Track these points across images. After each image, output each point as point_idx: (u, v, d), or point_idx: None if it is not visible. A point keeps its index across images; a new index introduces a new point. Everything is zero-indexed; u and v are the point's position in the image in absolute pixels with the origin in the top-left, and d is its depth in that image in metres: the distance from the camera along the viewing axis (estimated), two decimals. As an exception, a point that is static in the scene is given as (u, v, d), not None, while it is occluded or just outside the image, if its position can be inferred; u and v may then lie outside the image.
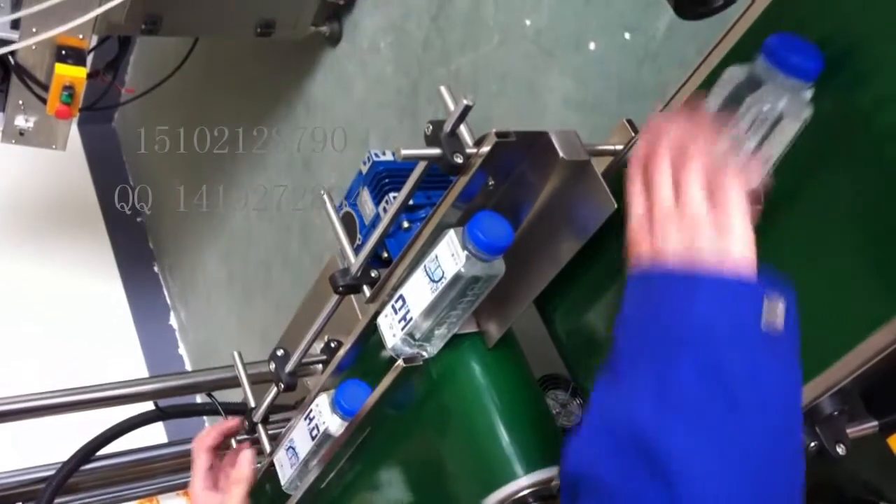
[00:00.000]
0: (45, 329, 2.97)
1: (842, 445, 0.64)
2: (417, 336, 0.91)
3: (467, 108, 0.76)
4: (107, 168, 3.55)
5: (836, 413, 0.65)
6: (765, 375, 0.62)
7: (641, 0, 1.47)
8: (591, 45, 1.56)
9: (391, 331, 0.92)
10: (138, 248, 3.42)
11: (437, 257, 0.84)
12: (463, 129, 0.79)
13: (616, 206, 0.77)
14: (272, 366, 1.06)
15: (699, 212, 0.68)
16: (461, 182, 0.81)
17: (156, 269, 3.43)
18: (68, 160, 3.45)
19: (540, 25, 1.65)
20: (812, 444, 0.64)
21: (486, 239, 0.81)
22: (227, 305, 2.96)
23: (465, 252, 0.83)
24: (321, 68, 2.26)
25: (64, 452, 1.34)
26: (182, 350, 3.28)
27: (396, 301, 0.90)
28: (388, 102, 2.04)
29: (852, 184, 0.67)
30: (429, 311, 0.88)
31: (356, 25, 2.13)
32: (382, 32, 2.04)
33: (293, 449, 1.06)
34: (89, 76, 2.07)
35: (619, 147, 0.84)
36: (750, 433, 0.61)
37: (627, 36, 1.49)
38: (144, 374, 3.01)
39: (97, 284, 3.26)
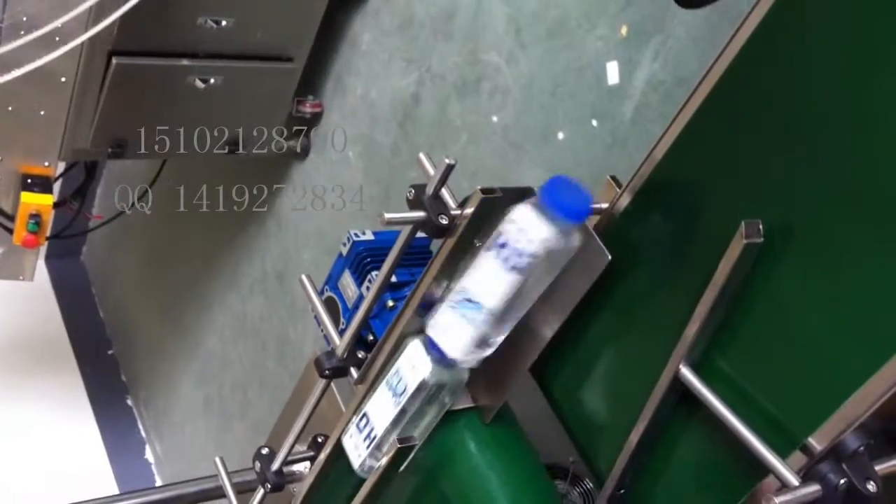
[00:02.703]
0: (16, 468, 2.88)
1: (872, 483, 0.61)
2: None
3: (450, 168, 0.74)
4: (76, 302, 3.51)
5: (861, 448, 0.61)
6: None
7: (606, 89, 1.49)
8: (560, 135, 1.57)
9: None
10: (110, 382, 3.35)
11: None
12: (445, 192, 0.77)
13: (610, 257, 0.75)
14: (257, 465, 1.00)
15: None
16: (448, 244, 0.79)
17: (129, 401, 3.35)
18: (36, 295, 3.43)
19: (507, 121, 1.66)
20: (842, 481, 0.60)
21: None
22: (205, 433, 2.88)
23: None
24: (291, 182, 2.27)
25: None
26: (159, 484, 3.17)
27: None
28: (360, 210, 2.03)
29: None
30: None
31: (325, 138, 2.14)
32: (351, 142, 2.06)
33: (367, 420, 0.92)
34: (56, 205, 2.05)
35: (605, 206, 0.82)
36: None
37: (595, 123, 1.51)
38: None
39: (69, 421, 3.18)
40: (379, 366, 0.88)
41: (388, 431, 0.86)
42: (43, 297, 3.46)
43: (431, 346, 0.81)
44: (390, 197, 1.93)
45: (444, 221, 0.76)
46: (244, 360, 2.60)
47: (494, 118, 1.68)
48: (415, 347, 0.83)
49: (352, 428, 0.90)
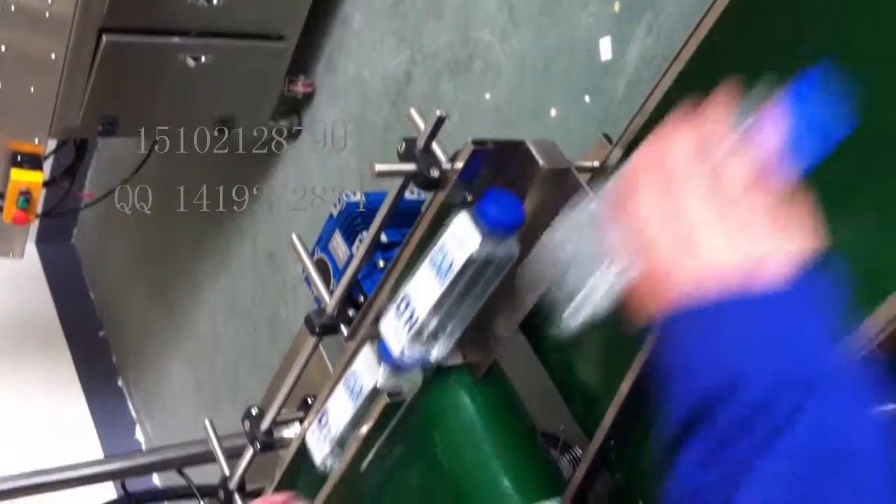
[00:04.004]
0: (6, 449, 2.87)
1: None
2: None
3: (441, 120, 0.75)
4: (67, 285, 3.51)
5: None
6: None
7: (598, 65, 1.49)
8: (552, 112, 1.57)
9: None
10: (101, 364, 3.35)
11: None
12: (436, 145, 0.77)
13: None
14: (246, 425, 1.01)
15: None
16: (439, 197, 0.79)
17: (119, 383, 3.36)
18: (28, 278, 3.42)
19: (499, 99, 1.66)
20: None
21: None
22: (195, 414, 2.88)
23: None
24: (282, 162, 2.26)
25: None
26: (150, 468, 3.17)
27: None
28: (352, 190, 2.03)
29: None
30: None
31: (315, 118, 2.14)
32: (342, 122, 2.05)
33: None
34: (47, 184, 2.05)
35: (597, 164, 0.83)
36: None
37: (587, 99, 1.51)
38: (111, 491, 2.89)
39: (60, 402, 3.18)
40: (370, 322, 0.88)
41: (431, 313, 0.83)
42: (34, 281, 3.46)
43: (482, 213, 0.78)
44: (383, 182, 1.93)
45: (435, 174, 0.76)
46: (235, 341, 2.60)
47: (487, 96, 1.68)
48: (461, 222, 0.79)
49: (389, 312, 0.86)
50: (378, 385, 0.89)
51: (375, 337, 0.89)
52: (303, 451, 0.98)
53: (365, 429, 0.91)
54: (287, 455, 0.99)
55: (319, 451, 0.97)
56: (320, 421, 0.95)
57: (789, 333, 0.57)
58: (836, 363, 0.57)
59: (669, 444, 0.58)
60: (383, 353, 0.87)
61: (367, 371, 0.89)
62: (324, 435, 0.95)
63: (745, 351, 0.57)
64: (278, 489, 1.11)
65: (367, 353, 0.91)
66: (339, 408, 0.93)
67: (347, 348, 0.92)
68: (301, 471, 1.06)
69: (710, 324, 0.58)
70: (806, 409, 0.54)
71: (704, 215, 0.61)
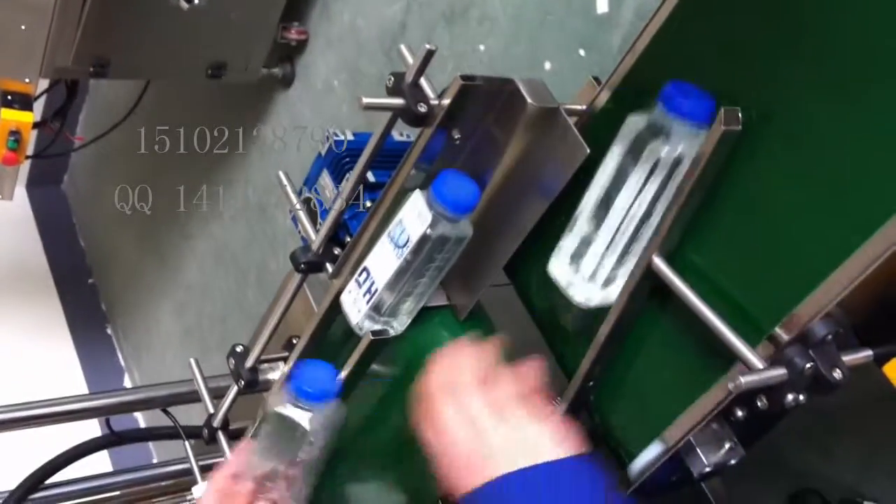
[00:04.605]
0: (-6, 394, 2.88)
1: (838, 371, 0.62)
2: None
3: (430, 54, 0.74)
4: (57, 231, 3.50)
5: (829, 336, 0.62)
6: None
7: (594, 17, 1.47)
8: (547, 65, 1.56)
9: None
10: (90, 311, 3.35)
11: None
12: (424, 81, 0.77)
13: (588, 151, 0.75)
14: (231, 362, 1.01)
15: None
16: (426, 133, 0.78)
17: (108, 330, 3.36)
18: (17, 223, 3.41)
19: (494, 50, 1.65)
20: (808, 366, 0.61)
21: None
22: (183, 362, 2.87)
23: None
24: (274, 110, 2.25)
25: (5, 482, 1.26)
26: (137, 413, 3.19)
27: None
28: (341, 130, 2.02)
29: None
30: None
31: (309, 66, 2.12)
32: (335, 71, 2.04)
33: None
34: (37, 125, 2.03)
35: (585, 107, 0.82)
36: None
37: (582, 53, 1.49)
38: (96, 430, 2.91)
39: (49, 349, 3.19)
40: (354, 259, 0.88)
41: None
42: (24, 226, 3.45)
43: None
44: (374, 126, 1.92)
45: (423, 109, 0.76)
46: (224, 290, 2.60)
47: (481, 47, 1.67)
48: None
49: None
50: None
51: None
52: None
53: (344, 373, 0.92)
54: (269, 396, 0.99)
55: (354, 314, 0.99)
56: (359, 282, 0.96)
57: (568, 496, 0.71)
58: None
59: None
60: None
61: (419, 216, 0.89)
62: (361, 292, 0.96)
63: None
64: (258, 431, 1.12)
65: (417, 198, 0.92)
66: (381, 262, 0.93)
67: (331, 286, 0.91)
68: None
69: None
70: None
71: (482, 412, 0.77)
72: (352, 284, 0.88)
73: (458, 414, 0.78)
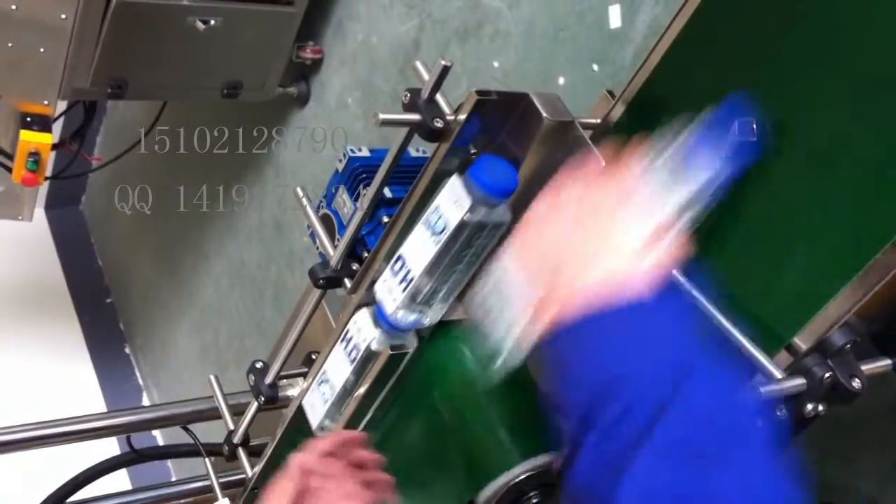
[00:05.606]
0: (14, 414, 2.89)
1: (857, 380, 0.62)
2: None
3: (445, 69, 0.75)
4: (75, 251, 3.52)
5: (847, 345, 0.62)
6: None
7: (607, 32, 1.48)
8: (560, 80, 1.56)
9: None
10: (108, 329, 3.37)
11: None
12: (440, 97, 0.77)
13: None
14: (251, 378, 1.01)
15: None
16: (442, 149, 0.79)
17: (127, 349, 3.37)
18: (36, 244, 3.44)
19: (507, 66, 1.66)
20: (826, 375, 0.61)
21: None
22: (201, 381, 2.89)
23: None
24: (289, 129, 2.26)
25: (27, 500, 1.26)
26: (156, 431, 3.20)
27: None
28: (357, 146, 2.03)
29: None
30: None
31: (324, 84, 2.13)
32: (350, 89, 2.05)
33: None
34: (56, 146, 2.05)
35: (599, 121, 0.83)
36: None
37: (595, 68, 1.50)
38: (116, 448, 2.93)
39: (68, 368, 3.21)
40: (372, 274, 0.88)
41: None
42: (43, 246, 3.48)
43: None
44: (388, 143, 1.93)
45: (439, 125, 0.77)
46: (241, 308, 2.61)
47: (495, 63, 1.68)
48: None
49: (385, 273, 0.87)
50: (373, 348, 0.90)
51: (371, 303, 0.91)
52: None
53: (363, 389, 0.92)
54: (288, 412, 1.00)
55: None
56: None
57: (655, 338, 0.65)
58: (700, 361, 0.63)
59: (569, 451, 0.65)
60: (378, 316, 0.89)
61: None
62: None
63: (618, 356, 0.64)
64: (279, 447, 1.12)
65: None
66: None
67: (349, 302, 0.92)
68: (303, 429, 1.06)
69: (584, 336, 0.67)
70: (674, 403, 0.60)
71: (575, 240, 0.70)
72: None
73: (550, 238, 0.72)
